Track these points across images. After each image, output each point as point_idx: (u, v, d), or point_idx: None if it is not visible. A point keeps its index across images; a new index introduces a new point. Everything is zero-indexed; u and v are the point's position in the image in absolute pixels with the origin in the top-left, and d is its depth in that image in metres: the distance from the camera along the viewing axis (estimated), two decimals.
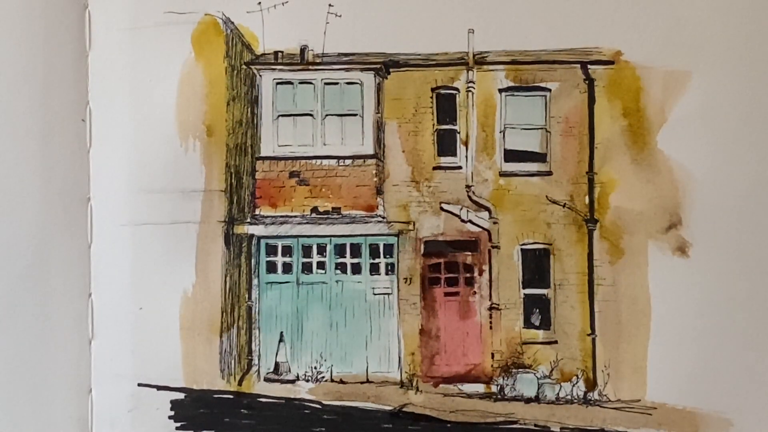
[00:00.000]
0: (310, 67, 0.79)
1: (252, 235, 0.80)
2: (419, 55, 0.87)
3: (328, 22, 0.77)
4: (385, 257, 0.90)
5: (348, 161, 0.87)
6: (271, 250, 0.81)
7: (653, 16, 0.74)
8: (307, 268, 0.81)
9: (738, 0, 0.73)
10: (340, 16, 0.78)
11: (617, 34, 0.77)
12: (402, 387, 0.88)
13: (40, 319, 0.73)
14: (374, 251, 0.90)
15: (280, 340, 0.79)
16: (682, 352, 0.72)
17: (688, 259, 0.73)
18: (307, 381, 0.83)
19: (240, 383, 0.77)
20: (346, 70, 0.82)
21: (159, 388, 0.76)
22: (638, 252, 0.76)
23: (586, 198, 0.87)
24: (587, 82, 0.92)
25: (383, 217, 0.89)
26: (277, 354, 0.79)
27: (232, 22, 0.75)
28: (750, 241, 0.71)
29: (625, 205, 0.77)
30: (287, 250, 0.81)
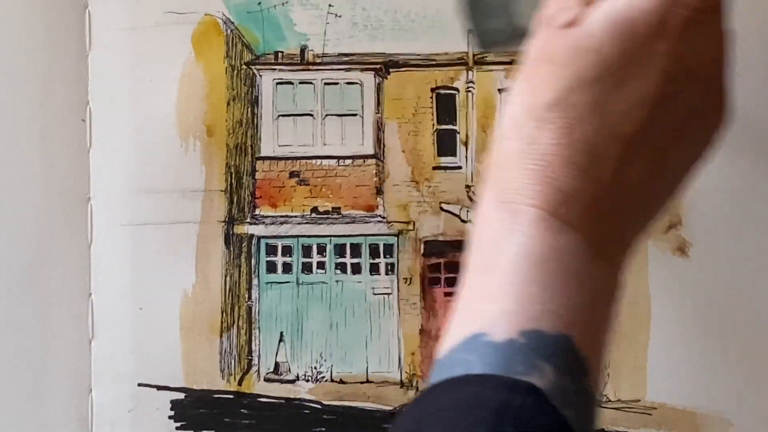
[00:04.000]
0: (310, 67, 0.79)
1: (252, 235, 0.80)
2: (419, 55, 0.87)
3: (328, 22, 0.78)
4: (385, 257, 0.90)
5: (348, 161, 0.87)
6: (271, 250, 0.81)
7: None
8: (307, 268, 0.81)
9: (738, 0, 0.73)
10: (340, 16, 0.78)
11: None
12: (402, 387, 0.88)
13: (40, 319, 0.72)
14: (374, 251, 0.90)
15: (280, 340, 0.80)
16: (682, 352, 0.72)
17: (688, 259, 0.73)
18: (307, 381, 0.83)
19: (240, 383, 0.77)
20: (346, 70, 0.82)
21: (159, 388, 0.76)
22: (638, 252, 0.76)
23: None
24: None
25: (383, 217, 0.89)
26: (277, 354, 0.80)
27: (232, 22, 0.75)
28: (750, 241, 0.71)
29: None
30: (287, 250, 0.81)
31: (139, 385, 0.73)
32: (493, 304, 0.34)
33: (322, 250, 0.85)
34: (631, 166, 0.37)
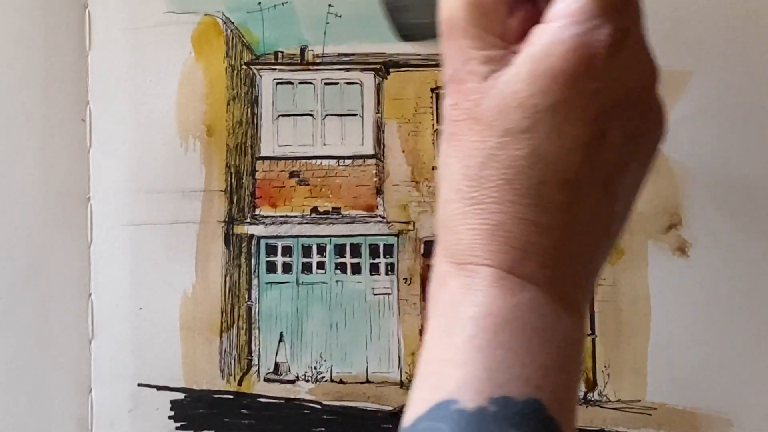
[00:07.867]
0: (310, 67, 0.79)
1: (252, 235, 0.80)
2: (419, 55, 0.87)
3: (328, 22, 0.78)
4: (385, 257, 0.90)
5: (348, 161, 0.87)
6: (271, 250, 0.81)
7: (653, 16, 0.75)
8: (307, 268, 0.81)
9: (738, 0, 0.73)
10: (340, 16, 0.78)
11: None
12: (402, 387, 0.89)
13: (40, 319, 0.73)
14: (374, 251, 0.90)
15: (280, 340, 0.80)
16: (682, 352, 0.72)
17: (688, 259, 0.73)
18: (307, 381, 0.83)
19: (240, 383, 0.77)
20: (346, 70, 0.82)
21: (159, 388, 0.76)
22: (638, 252, 0.76)
23: None
24: None
25: (383, 217, 0.89)
26: (277, 354, 0.80)
27: (232, 22, 0.75)
28: (750, 241, 0.71)
29: None
30: (287, 250, 0.81)
31: (139, 385, 0.73)
32: (458, 370, 0.33)
33: (322, 250, 0.85)
34: (579, 208, 0.37)
